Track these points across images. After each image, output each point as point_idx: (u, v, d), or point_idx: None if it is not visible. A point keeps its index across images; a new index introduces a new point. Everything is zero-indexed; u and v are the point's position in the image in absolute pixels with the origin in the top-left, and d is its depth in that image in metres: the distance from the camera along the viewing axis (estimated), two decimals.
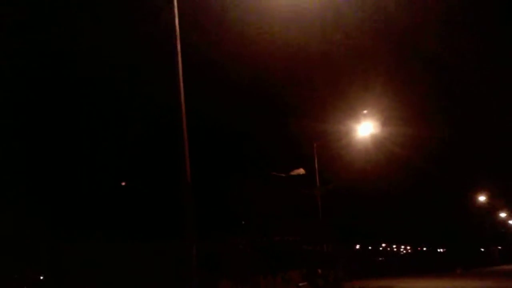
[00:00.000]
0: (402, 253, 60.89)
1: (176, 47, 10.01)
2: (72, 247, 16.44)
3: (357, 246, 44.64)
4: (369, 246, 47.99)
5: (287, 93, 28.18)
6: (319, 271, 23.43)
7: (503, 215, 78.95)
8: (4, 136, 20.12)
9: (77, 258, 15.85)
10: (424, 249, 65.08)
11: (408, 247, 62.22)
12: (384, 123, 25.37)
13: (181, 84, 10.02)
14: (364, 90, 27.77)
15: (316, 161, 24.12)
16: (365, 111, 24.34)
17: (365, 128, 24.41)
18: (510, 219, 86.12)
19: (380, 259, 51.23)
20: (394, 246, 57.65)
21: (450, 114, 40.43)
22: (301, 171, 23.50)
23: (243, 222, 23.37)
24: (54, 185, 21.46)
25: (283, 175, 23.32)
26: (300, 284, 22.31)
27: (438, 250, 69.78)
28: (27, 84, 20.92)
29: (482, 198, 63.59)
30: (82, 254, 15.86)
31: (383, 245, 53.26)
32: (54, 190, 21.28)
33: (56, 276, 16.61)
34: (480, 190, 61.80)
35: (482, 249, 76.55)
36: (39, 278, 17.46)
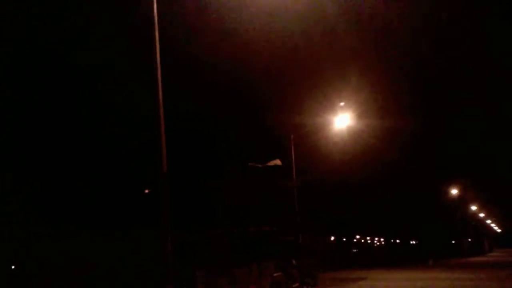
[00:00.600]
0: (375, 245, 61.79)
1: (154, 38, 9.94)
2: (55, 242, 16.24)
3: (332, 238, 45.11)
4: (344, 238, 48.52)
5: (264, 85, 28.22)
6: (294, 261, 23.62)
7: (473, 208, 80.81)
8: (13, 138, 19.76)
9: (57, 252, 15.68)
10: (397, 241, 66.19)
11: (382, 239, 63.17)
12: (360, 116, 25.70)
13: (159, 75, 9.97)
14: (341, 82, 28.00)
15: (293, 152, 24.28)
16: (342, 104, 24.57)
17: (342, 120, 24.66)
18: (480, 212, 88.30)
19: (354, 251, 51.94)
20: (368, 238, 58.42)
21: (425, 108, 41.07)
22: (278, 162, 23.59)
23: (220, 213, 23.41)
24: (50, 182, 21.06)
25: (260, 166, 23.37)
26: (275, 275, 22.48)
27: (411, 242, 71.07)
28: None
29: (454, 191, 64.90)
30: (64, 249, 15.69)
31: (357, 237, 53.91)
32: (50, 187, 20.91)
33: (28, 267, 16.44)
34: (452, 184, 63.03)
35: (453, 242, 78.22)
36: (10, 267, 17.29)
